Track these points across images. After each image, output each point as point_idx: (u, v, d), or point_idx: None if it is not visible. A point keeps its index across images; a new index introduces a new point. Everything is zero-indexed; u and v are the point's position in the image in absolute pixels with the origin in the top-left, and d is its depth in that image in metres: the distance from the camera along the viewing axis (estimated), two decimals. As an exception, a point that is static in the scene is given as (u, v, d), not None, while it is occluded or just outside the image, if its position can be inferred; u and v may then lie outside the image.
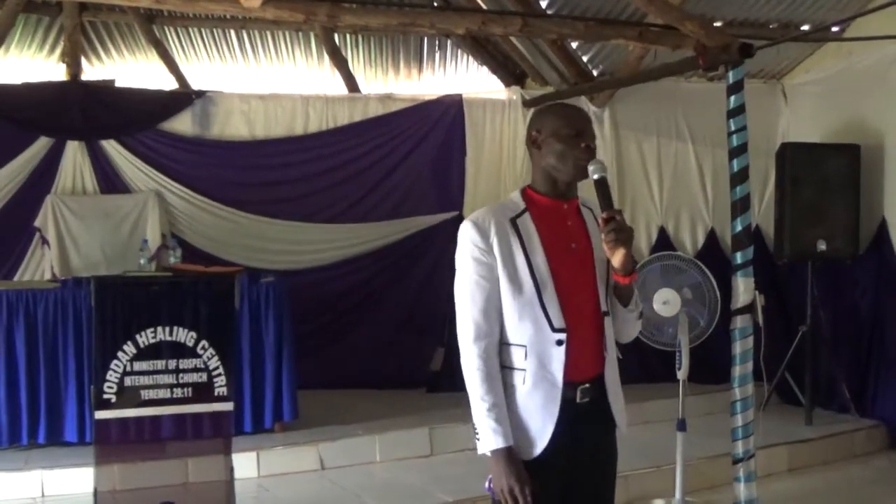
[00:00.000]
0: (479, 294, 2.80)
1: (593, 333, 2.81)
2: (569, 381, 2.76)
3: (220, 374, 4.81)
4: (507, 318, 2.79)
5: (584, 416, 2.79)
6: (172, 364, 4.73)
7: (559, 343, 2.74)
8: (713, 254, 8.09)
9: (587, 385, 2.80)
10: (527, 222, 2.81)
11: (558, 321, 2.75)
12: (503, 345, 2.80)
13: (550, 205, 2.86)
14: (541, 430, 2.76)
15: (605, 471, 2.96)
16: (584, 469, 2.85)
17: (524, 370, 2.77)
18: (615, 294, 2.86)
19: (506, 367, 2.79)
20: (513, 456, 2.72)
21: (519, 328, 2.77)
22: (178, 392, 4.74)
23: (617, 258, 2.70)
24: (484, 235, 2.80)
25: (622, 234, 2.67)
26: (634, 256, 2.78)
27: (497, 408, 2.73)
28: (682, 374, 5.33)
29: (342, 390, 7.64)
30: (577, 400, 2.78)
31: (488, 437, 2.73)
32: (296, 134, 8.02)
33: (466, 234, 2.85)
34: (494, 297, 2.78)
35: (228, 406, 4.89)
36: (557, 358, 2.75)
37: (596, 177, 2.75)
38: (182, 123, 7.74)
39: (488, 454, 2.75)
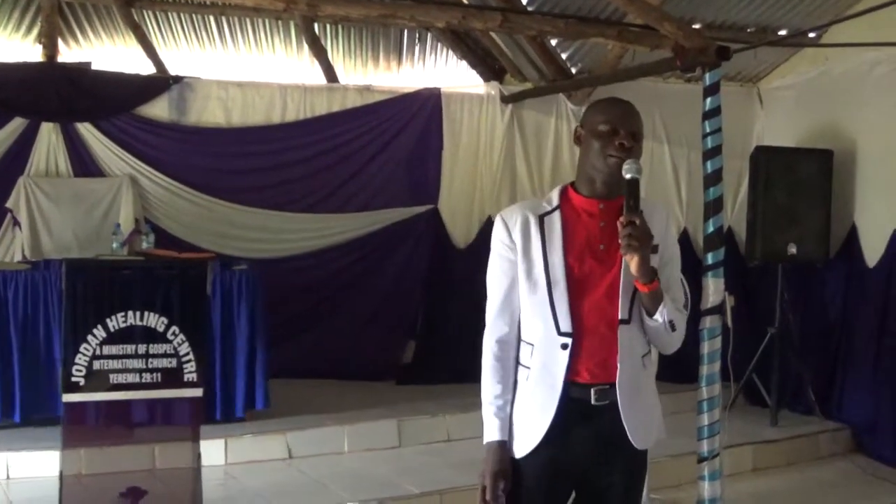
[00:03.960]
0: (498, 289, 2.80)
1: (607, 340, 2.72)
2: (581, 383, 2.71)
3: (189, 360, 4.79)
4: (523, 314, 2.77)
5: (595, 422, 2.73)
6: (142, 349, 4.71)
7: (563, 347, 2.70)
8: (685, 254, 7.86)
9: (605, 387, 2.71)
10: (554, 220, 2.76)
11: (565, 324, 2.70)
12: (518, 340, 2.80)
13: (584, 204, 2.78)
14: (535, 429, 2.72)
15: (619, 493, 2.82)
16: (586, 483, 2.79)
17: (529, 368, 2.75)
18: (641, 302, 2.75)
19: (516, 363, 2.80)
20: (501, 451, 2.73)
21: (531, 325, 2.75)
22: (147, 377, 4.72)
23: (632, 264, 2.64)
24: (508, 231, 2.78)
25: (636, 241, 2.60)
26: None
27: (498, 401, 2.75)
28: (650, 373, 5.36)
29: (312, 380, 7.63)
30: (593, 402, 2.71)
31: (486, 428, 2.77)
32: (273, 122, 7.99)
33: (495, 229, 2.83)
34: (513, 293, 2.77)
35: (198, 392, 4.87)
36: (561, 361, 2.70)
37: (628, 177, 2.67)
38: (158, 108, 7.69)
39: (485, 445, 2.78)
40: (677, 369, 6.89)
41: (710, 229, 5.25)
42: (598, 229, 2.76)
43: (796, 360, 7.42)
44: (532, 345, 2.75)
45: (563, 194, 2.83)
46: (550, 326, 2.71)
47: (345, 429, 6.44)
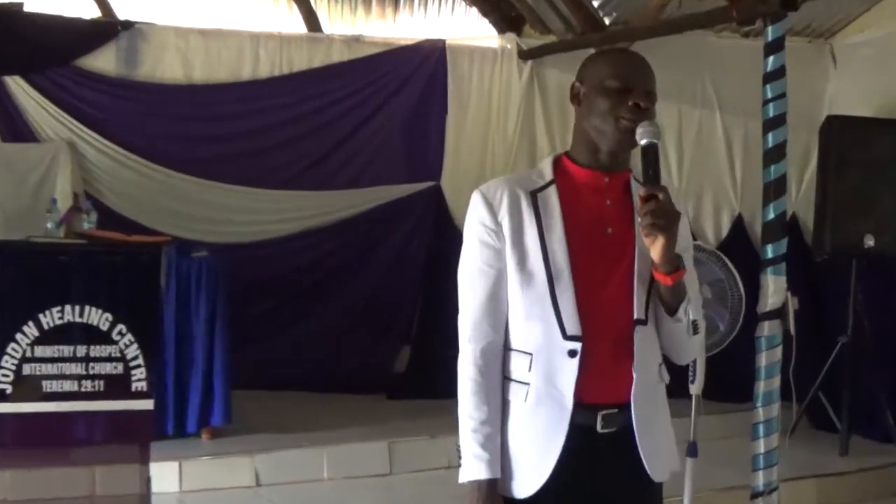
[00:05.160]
0: (480, 285, 2.67)
1: (621, 346, 2.64)
2: (586, 403, 2.61)
3: (139, 366, 4.81)
4: (513, 315, 2.67)
5: (604, 451, 2.65)
6: (82, 351, 4.73)
7: (571, 353, 2.59)
8: (739, 245, 8.14)
9: (613, 411, 2.64)
10: (550, 197, 2.67)
11: (572, 325, 2.60)
12: (506, 349, 2.68)
13: (586, 177, 2.70)
14: (538, 462, 2.62)
15: None
16: None
17: (526, 384, 2.63)
18: (659, 298, 2.67)
19: (505, 378, 2.67)
20: (492, 492, 2.60)
21: (525, 330, 2.65)
22: (87, 385, 4.74)
23: (655, 249, 2.54)
24: (492, 211, 2.66)
25: (661, 219, 2.51)
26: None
27: (485, 428, 2.61)
28: (695, 389, 5.36)
29: (285, 392, 7.66)
30: (598, 429, 2.63)
31: (468, 464, 2.61)
32: (242, 79, 8.00)
33: (473, 209, 2.70)
34: (500, 290, 2.66)
35: (148, 404, 4.89)
36: (568, 372, 2.59)
37: (643, 142, 2.58)
38: (104, 60, 7.68)
39: (466, 484, 2.63)
40: (728, 386, 6.94)
41: (771, 216, 5.24)
42: (605, 208, 2.70)
43: (872, 375, 7.42)
44: (530, 354, 2.64)
45: (558, 165, 2.75)
46: (553, 329, 2.61)
47: (324, 451, 6.45)
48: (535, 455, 2.63)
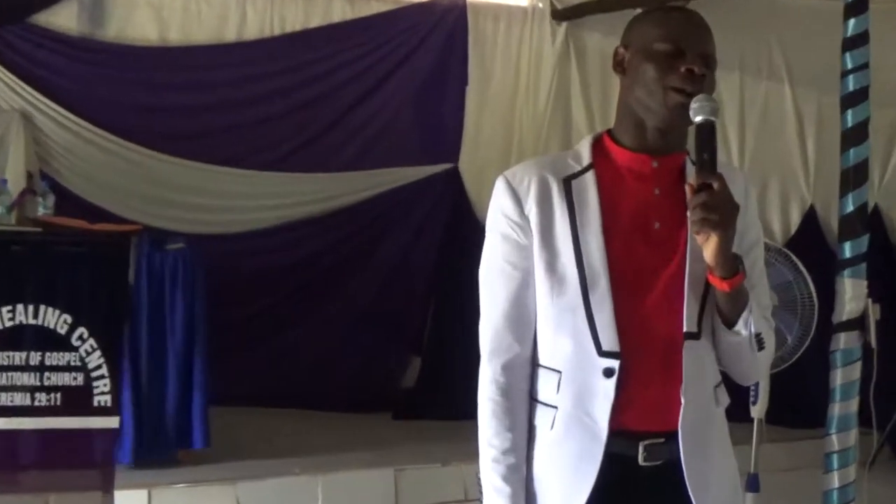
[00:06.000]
0: (503, 288, 2.62)
1: (668, 364, 2.56)
2: (626, 431, 2.55)
3: (102, 377, 4.82)
4: (541, 326, 2.61)
5: (646, 488, 2.58)
6: (36, 358, 4.74)
7: (607, 373, 2.52)
8: (811, 243, 8.12)
9: (659, 440, 2.57)
10: (586, 185, 2.60)
11: (609, 340, 2.53)
12: (534, 365, 2.64)
13: (631, 161, 2.63)
14: (566, 500, 2.58)
15: None
16: None
17: (554, 408, 2.58)
18: (717, 306, 2.59)
19: (532, 399, 2.64)
20: None
21: (554, 344, 2.59)
22: (41, 398, 4.75)
23: (708, 249, 2.47)
24: (518, 202, 2.60)
25: (715, 214, 2.42)
26: None
27: (508, 457, 2.59)
28: (757, 412, 5.36)
29: (273, 410, 7.69)
30: (640, 461, 2.57)
31: (489, 499, 2.61)
32: (226, 41, 8.01)
33: (496, 199, 2.65)
34: (527, 295, 2.61)
35: (112, 422, 4.90)
36: (603, 395, 2.53)
37: (698, 119, 2.49)
38: (65, 17, 7.70)
39: None
40: (796, 408, 6.94)
41: (849, 208, 5.22)
42: (652, 199, 2.63)
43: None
44: (559, 372, 2.59)
45: (598, 147, 2.68)
46: (586, 344, 2.55)
47: (318, 480, 6.45)
48: (562, 493, 2.60)
